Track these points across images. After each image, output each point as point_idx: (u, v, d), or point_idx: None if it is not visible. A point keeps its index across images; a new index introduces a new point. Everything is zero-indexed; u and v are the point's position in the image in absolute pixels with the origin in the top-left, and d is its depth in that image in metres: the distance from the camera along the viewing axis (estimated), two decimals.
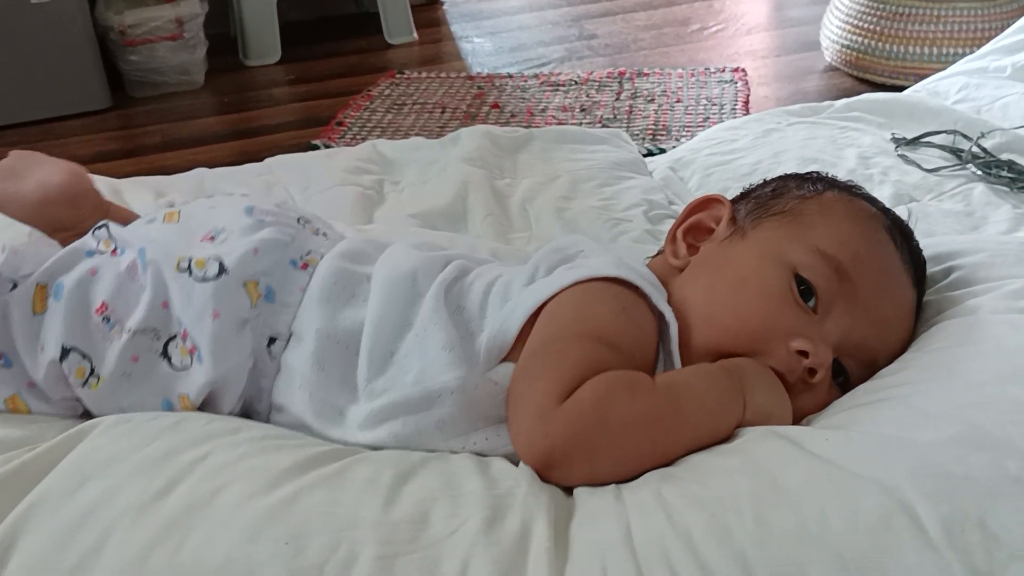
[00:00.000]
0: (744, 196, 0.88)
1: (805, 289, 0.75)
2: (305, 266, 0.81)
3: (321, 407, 0.75)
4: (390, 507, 0.63)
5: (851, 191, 0.84)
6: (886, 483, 0.58)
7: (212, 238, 0.81)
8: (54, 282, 0.78)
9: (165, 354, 0.76)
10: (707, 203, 0.87)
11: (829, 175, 0.87)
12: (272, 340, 0.78)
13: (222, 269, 0.77)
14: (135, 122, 2.42)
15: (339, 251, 0.84)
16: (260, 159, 1.43)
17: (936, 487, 0.57)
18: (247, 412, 0.79)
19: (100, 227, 0.83)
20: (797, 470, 0.61)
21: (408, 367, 0.74)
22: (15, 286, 0.78)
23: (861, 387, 0.73)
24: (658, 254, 0.90)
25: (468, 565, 0.58)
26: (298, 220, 0.87)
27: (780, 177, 0.88)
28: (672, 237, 0.86)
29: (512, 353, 0.74)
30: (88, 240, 0.82)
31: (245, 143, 2.23)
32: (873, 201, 0.84)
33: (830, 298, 0.75)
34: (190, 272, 0.77)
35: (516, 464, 0.70)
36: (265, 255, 0.79)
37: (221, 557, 0.60)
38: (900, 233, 0.81)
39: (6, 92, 2.37)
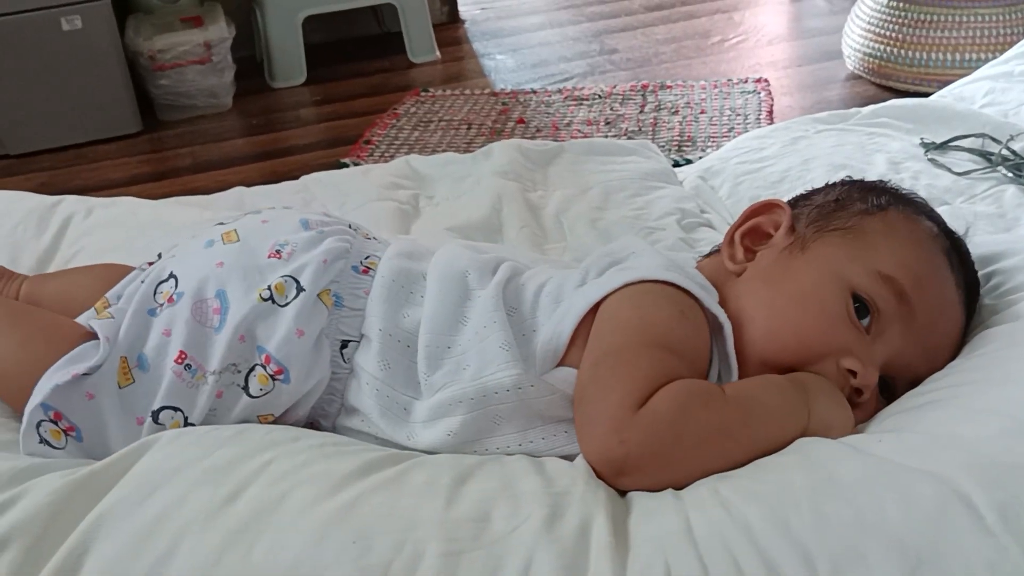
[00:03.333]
0: (805, 200, 0.88)
1: (860, 308, 0.76)
2: (366, 271, 0.84)
3: (388, 404, 0.77)
4: (451, 507, 0.65)
5: (915, 207, 0.85)
6: (940, 474, 0.60)
7: (278, 253, 0.83)
8: (136, 353, 0.80)
9: (245, 386, 0.78)
10: (767, 207, 0.87)
11: (893, 186, 0.87)
12: (344, 344, 0.80)
13: (299, 288, 0.80)
14: (166, 145, 2.46)
15: (397, 250, 0.87)
16: (292, 179, 1.45)
17: (988, 476, 0.59)
18: (315, 415, 0.81)
19: (167, 278, 0.84)
20: (852, 466, 0.63)
21: (466, 362, 0.76)
22: (99, 367, 0.79)
23: (908, 393, 0.75)
24: (710, 254, 0.91)
25: (532, 561, 0.60)
26: (349, 226, 0.90)
27: (844, 184, 0.88)
28: (730, 240, 0.86)
29: (567, 356, 0.76)
30: (149, 298, 0.83)
31: (275, 163, 2.26)
32: (935, 219, 0.84)
33: (886, 320, 0.76)
34: (273, 300, 0.80)
35: (570, 462, 0.71)
36: (332, 265, 0.82)
37: (291, 559, 0.62)
38: (957, 256, 0.82)
39: (39, 118, 2.42)
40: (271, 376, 0.78)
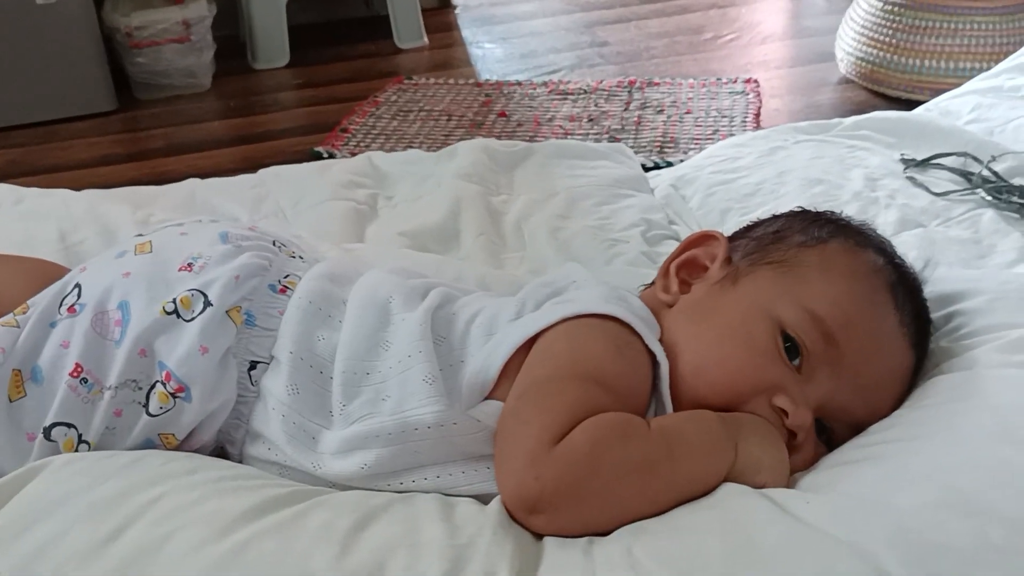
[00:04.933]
0: (746, 232, 0.85)
1: (791, 347, 0.72)
2: (284, 290, 0.80)
3: (294, 431, 0.73)
4: (346, 556, 0.61)
5: (861, 237, 0.80)
6: (864, 548, 0.55)
7: (189, 266, 0.79)
8: (30, 365, 0.75)
9: (146, 404, 0.74)
10: (704, 239, 0.84)
11: (842, 216, 0.83)
12: (253, 365, 0.76)
13: (207, 303, 0.76)
14: (140, 125, 2.41)
15: (319, 271, 0.82)
16: (263, 165, 1.41)
17: (914, 554, 0.55)
18: (222, 441, 0.77)
19: (71, 290, 0.79)
20: (773, 530, 0.58)
21: (386, 392, 0.72)
22: None
23: (848, 443, 0.71)
24: (653, 283, 0.87)
25: None
26: (274, 243, 0.85)
27: (788, 215, 0.84)
28: (665, 271, 0.83)
29: (496, 390, 0.72)
30: (52, 310, 0.78)
31: (248, 149, 2.20)
32: (883, 250, 0.80)
33: (815, 360, 0.72)
34: (177, 314, 0.75)
35: (485, 504, 0.67)
36: (245, 281, 0.78)
37: None
38: (904, 291, 0.77)
39: (12, 93, 2.36)
40: (171, 394, 0.73)
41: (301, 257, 0.86)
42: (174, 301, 0.76)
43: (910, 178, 1.29)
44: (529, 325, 0.74)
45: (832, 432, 0.73)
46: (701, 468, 0.66)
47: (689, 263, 0.82)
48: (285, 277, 0.80)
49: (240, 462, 0.75)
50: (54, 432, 0.73)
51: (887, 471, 0.63)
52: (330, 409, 0.73)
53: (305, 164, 1.46)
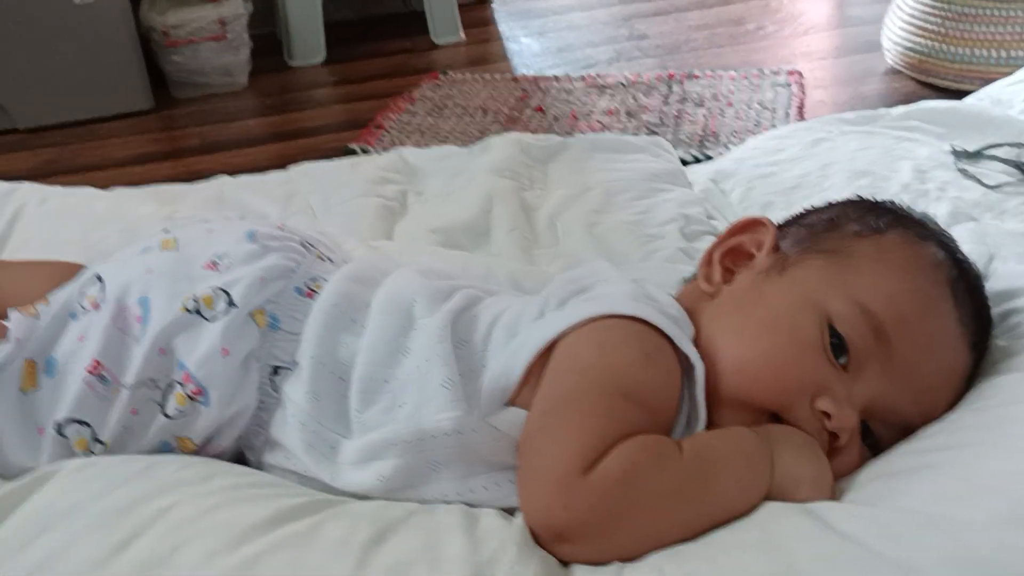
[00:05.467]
0: (797, 219, 0.80)
1: (838, 343, 0.67)
2: (310, 293, 0.77)
3: (313, 440, 0.70)
4: (362, 570, 0.58)
5: (921, 229, 0.75)
6: (916, 568, 0.51)
7: (214, 264, 0.77)
8: (45, 357, 0.73)
9: (163, 404, 0.72)
10: (751, 225, 0.79)
11: (901, 207, 0.78)
12: (276, 370, 0.73)
13: (231, 303, 0.73)
14: (176, 124, 2.40)
15: (346, 273, 0.79)
16: (299, 163, 1.38)
17: (972, 575, 0.50)
18: (241, 447, 0.74)
19: (93, 282, 0.77)
20: (817, 549, 0.54)
21: (404, 399, 0.69)
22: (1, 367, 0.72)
23: (897, 449, 0.66)
24: (695, 277, 0.83)
25: None
26: (302, 244, 0.82)
27: (843, 203, 0.79)
28: (708, 259, 0.79)
29: (518, 396, 0.68)
30: (73, 301, 0.76)
31: (283, 146, 2.19)
32: (944, 244, 0.74)
33: (863, 357, 0.67)
34: (199, 313, 0.73)
35: (510, 516, 0.64)
36: (271, 283, 0.75)
37: None
38: (965, 288, 0.72)
39: (49, 93, 2.37)
40: (189, 396, 0.71)
41: (330, 259, 0.83)
42: (196, 299, 0.73)
43: (961, 170, 1.24)
44: (551, 326, 0.70)
45: (878, 435, 0.69)
46: (738, 491, 0.62)
47: (734, 250, 0.78)
48: (312, 280, 0.77)
49: (259, 469, 0.72)
50: (68, 429, 0.71)
51: (940, 483, 0.58)
52: (348, 417, 0.70)
53: (335, 160, 1.43)
